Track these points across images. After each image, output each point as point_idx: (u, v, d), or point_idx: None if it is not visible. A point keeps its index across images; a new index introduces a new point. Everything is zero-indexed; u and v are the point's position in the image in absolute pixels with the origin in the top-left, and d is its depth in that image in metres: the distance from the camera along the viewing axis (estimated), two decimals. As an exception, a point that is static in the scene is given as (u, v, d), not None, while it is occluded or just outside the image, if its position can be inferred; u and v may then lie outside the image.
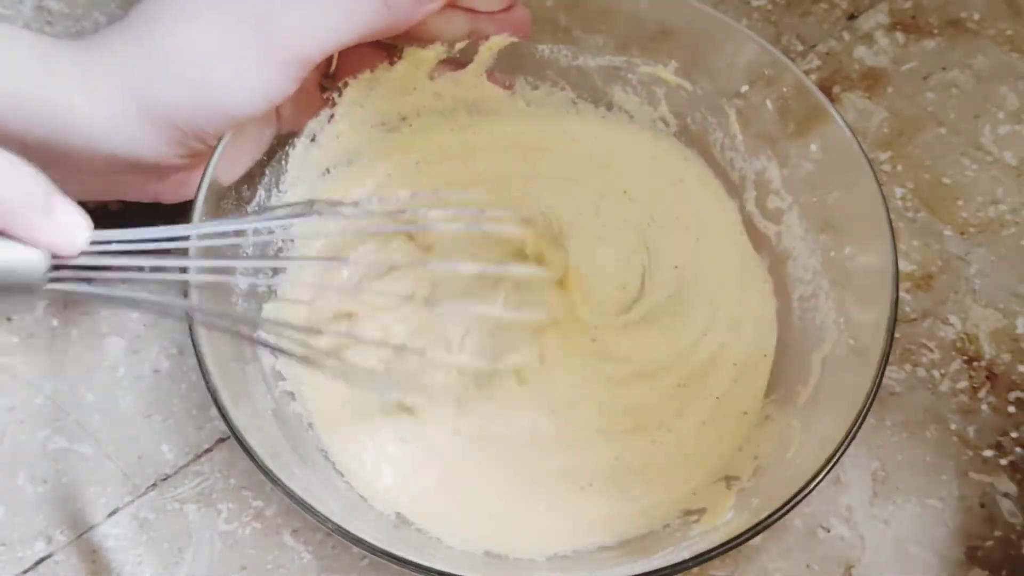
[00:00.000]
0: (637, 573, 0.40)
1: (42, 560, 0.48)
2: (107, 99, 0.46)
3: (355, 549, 0.49)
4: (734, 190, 0.56)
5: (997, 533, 0.50)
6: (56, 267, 0.36)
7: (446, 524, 0.47)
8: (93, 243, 0.37)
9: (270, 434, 0.45)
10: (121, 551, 0.48)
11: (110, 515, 0.49)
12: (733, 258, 0.55)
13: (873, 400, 0.43)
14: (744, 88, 0.54)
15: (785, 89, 0.52)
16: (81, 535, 0.49)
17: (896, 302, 0.45)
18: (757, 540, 0.49)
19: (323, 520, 0.39)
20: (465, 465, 0.49)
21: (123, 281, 0.38)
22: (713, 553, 0.40)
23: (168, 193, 0.52)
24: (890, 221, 0.47)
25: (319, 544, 0.49)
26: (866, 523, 0.50)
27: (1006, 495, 0.51)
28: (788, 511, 0.40)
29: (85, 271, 0.36)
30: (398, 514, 0.47)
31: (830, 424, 0.44)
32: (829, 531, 0.50)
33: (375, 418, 0.50)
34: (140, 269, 0.38)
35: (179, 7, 0.47)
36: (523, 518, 0.48)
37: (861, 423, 0.42)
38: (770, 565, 0.49)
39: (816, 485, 0.41)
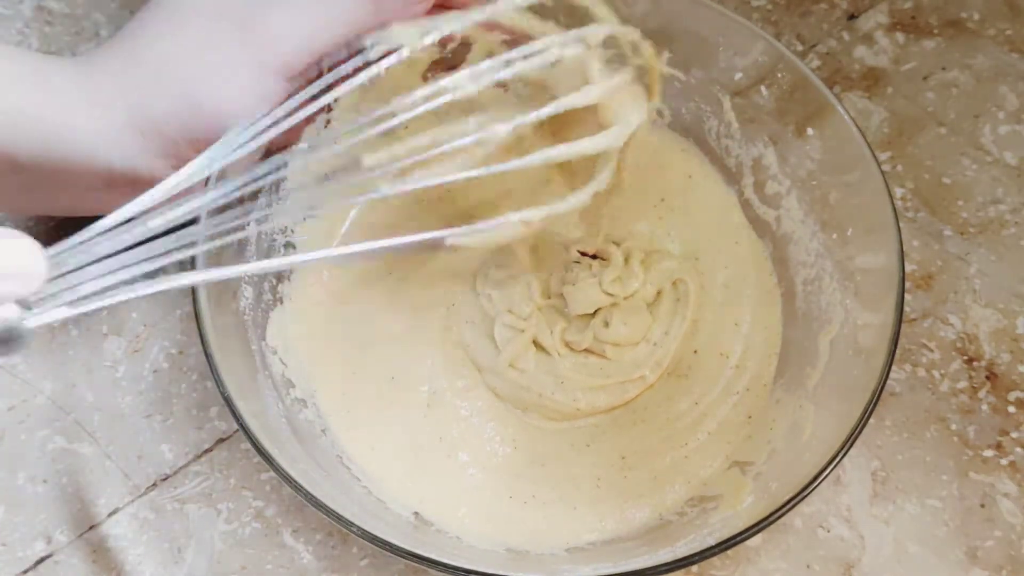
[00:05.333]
0: (663, 561, 0.40)
1: (42, 560, 0.48)
2: (102, 114, 0.46)
3: (355, 549, 0.49)
4: (731, 178, 0.56)
5: (997, 533, 0.50)
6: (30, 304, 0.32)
7: (465, 523, 0.48)
8: (56, 257, 0.33)
9: (286, 442, 0.45)
10: (121, 551, 0.49)
11: (110, 515, 0.49)
12: (737, 248, 0.55)
13: (886, 379, 0.43)
14: (739, 76, 0.54)
15: (780, 75, 0.52)
16: (81, 535, 0.49)
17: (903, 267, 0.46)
18: (757, 540, 0.49)
19: (348, 525, 0.40)
20: (480, 464, 0.50)
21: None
22: (740, 538, 0.40)
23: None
24: (895, 209, 0.47)
25: (319, 544, 0.49)
26: (866, 523, 0.50)
27: (1006, 495, 0.51)
28: (814, 488, 0.41)
29: (65, 294, 0.33)
30: (417, 515, 0.47)
31: (844, 405, 0.44)
32: (829, 531, 0.50)
33: (391, 422, 0.50)
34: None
35: (164, 18, 0.47)
36: (539, 514, 0.48)
37: (876, 401, 0.42)
38: (770, 565, 0.49)
39: (839, 461, 0.41)
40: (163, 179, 0.48)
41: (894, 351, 0.43)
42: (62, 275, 0.33)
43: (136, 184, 0.49)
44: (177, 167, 0.48)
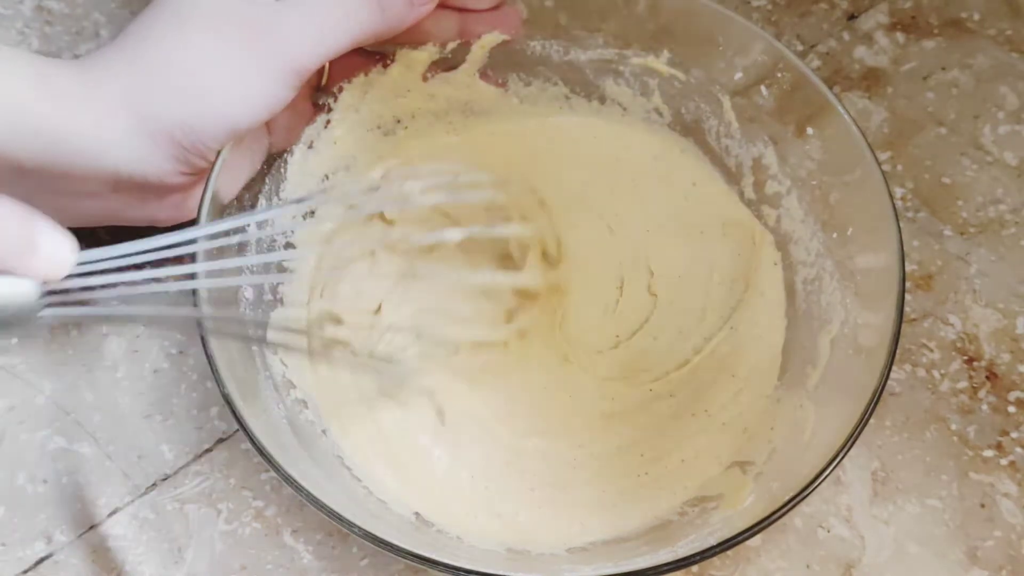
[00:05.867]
0: (664, 561, 0.40)
1: (42, 560, 0.48)
2: (109, 116, 0.46)
3: (355, 549, 0.49)
4: (732, 177, 0.56)
5: (997, 533, 0.50)
6: (49, 292, 0.35)
7: (465, 523, 0.48)
8: (82, 263, 0.36)
9: (287, 443, 0.45)
10: (121, 551, 0.49)
11: (110, 515, 0.49)
12: (739, 251, 0.55)
13: (887, 378, 0.43)
14: (739, 75, 0.54)
15: (780, 74, 0.52)
16: (81, 535, 0.49)
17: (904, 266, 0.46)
18: (757, 540, 0.49)
19: (349, 526, 0.40)
20: (481, 464, 0.49)
21: (121, 298, 0.37)
22: (741, 537, 0.40)
23: (165, 214, 0.51)
24: (895, 209, 0.47)
25: (319, 544, 0.49)
26: (866, 523, 0.50)
27: (1006, 495, 0.51)
28: (815, 488, 0.41)
29: (78, 293, 0.35)
30: (417, 515, 0.47)
31: (845, 404, 0.44)
32: (829, 531, 0.50)
33: (389, 423, 0.50)
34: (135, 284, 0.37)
35: (172, 20, 0.47)
36: (540, 514, 0.48)
37: (877, 401, 0.42)
38: (770, 565, 0.49)
39: (840, 460, 0.41)
40: (169, 184, 0.49)
41: (895, 351, 0.43)
42: (81, 275, 0.36)
43: (144, 187, 0.48)
44: (184, 171, 0.48)
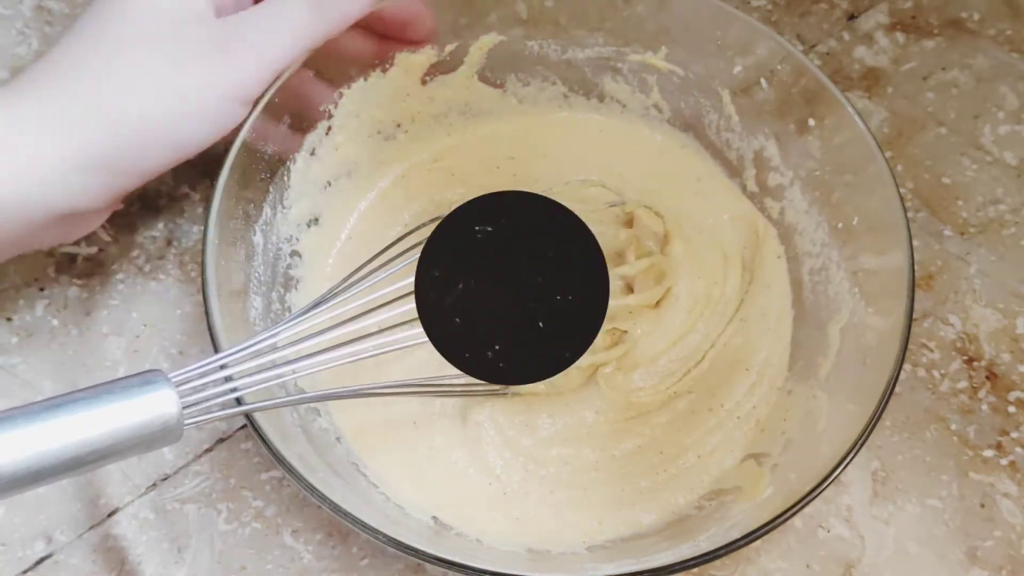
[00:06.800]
0: (686, 557, 0.40)
1: (42, 560, 0.48)
2: (41, 154, 0.43)
3: (355, 549, 0.49)
4: (733, 171, 0.57)
5: (997, 533, 0.50)
6: (186, 405, 0.37)
7: (484, 526, 0.48)
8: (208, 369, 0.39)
9: (304, 452, 0.45)
10: (121, 551, 0.49)
11: (110, 515, 0.49)
12: (744, 245, 0.55)
13: (902, 363, 0.43)
14: (738, 69, 0.54)
15: (779, 66, 0.52)
16: (81, 535, 0.49)
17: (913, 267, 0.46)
18: (756, 540, 0.49)
19: (373, 533, 0.40)
20: (500, 470, 0.49)
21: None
22: (764, 530, 0.40)
23: (79, 234, 0.49)
24: (899, 194, 0.47)
25: (319, 544, 0.49)
26: (866, 523, 0.50)
27: (1006, 495, 0.51)
28: (837, 476, 0.41)
29: (213, 400, 0.38)
30: (435, 519, 0.47)
31: (858, 393, 0.44)
32: (829, 531, 0.50)
33: (404, 428, 0.50)
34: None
35: (111, 40, 0.45)
36: (556, 514, 0.48)
37: (894, 386, 0.42)
38: (770, 565, 0.49)
39: (859, 449, 0.41)
40: (101, 208, 0.46)
41: (907, 336, 0.44)
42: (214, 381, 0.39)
43: (66, 221, 0.46)
44: (119, 198, 0.46)
